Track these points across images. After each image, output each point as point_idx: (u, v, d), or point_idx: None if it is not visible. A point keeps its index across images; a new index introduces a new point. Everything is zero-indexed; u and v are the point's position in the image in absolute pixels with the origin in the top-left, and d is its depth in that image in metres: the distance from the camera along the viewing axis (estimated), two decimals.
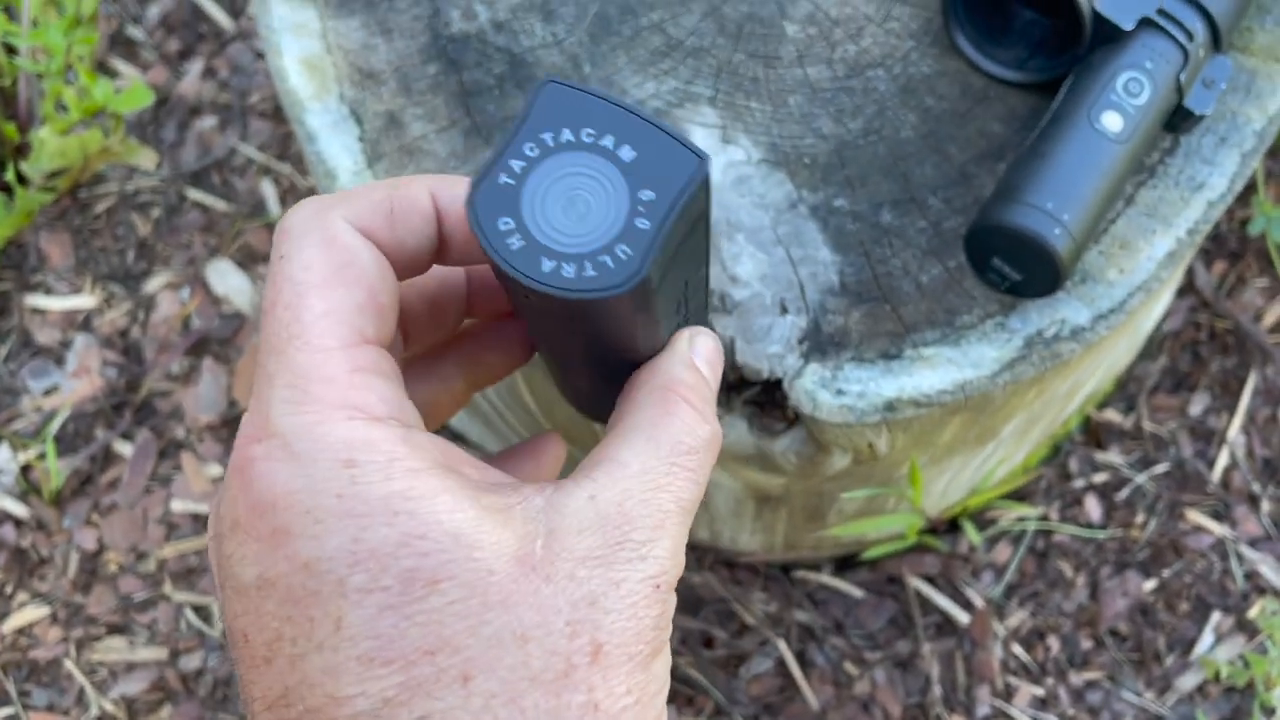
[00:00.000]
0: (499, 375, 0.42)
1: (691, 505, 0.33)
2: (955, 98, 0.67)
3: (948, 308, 0.60)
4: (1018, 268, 0.58)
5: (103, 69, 1.08)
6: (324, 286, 0.31)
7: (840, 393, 0.57)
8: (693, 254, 0.35)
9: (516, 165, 0.30)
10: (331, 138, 0.67)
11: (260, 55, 1.08)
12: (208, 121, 1.04)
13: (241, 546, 0.30)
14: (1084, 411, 0.89)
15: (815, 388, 0.57)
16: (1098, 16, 0.61)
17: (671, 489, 0.32)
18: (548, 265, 0.29)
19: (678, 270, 0.34)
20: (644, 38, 0.69)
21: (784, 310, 0.60)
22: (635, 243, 0.29)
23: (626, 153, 0.30)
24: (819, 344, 0.59)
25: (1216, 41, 0.63)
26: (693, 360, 0.36)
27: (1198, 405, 0.88)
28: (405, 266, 0.34)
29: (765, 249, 0.62)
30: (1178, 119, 0.63)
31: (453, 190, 0.34)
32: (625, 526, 0.31)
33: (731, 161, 0.65)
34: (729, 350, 0.59)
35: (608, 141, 0.30)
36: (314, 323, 0.31)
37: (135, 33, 1.09)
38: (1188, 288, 0.91)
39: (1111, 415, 0.90)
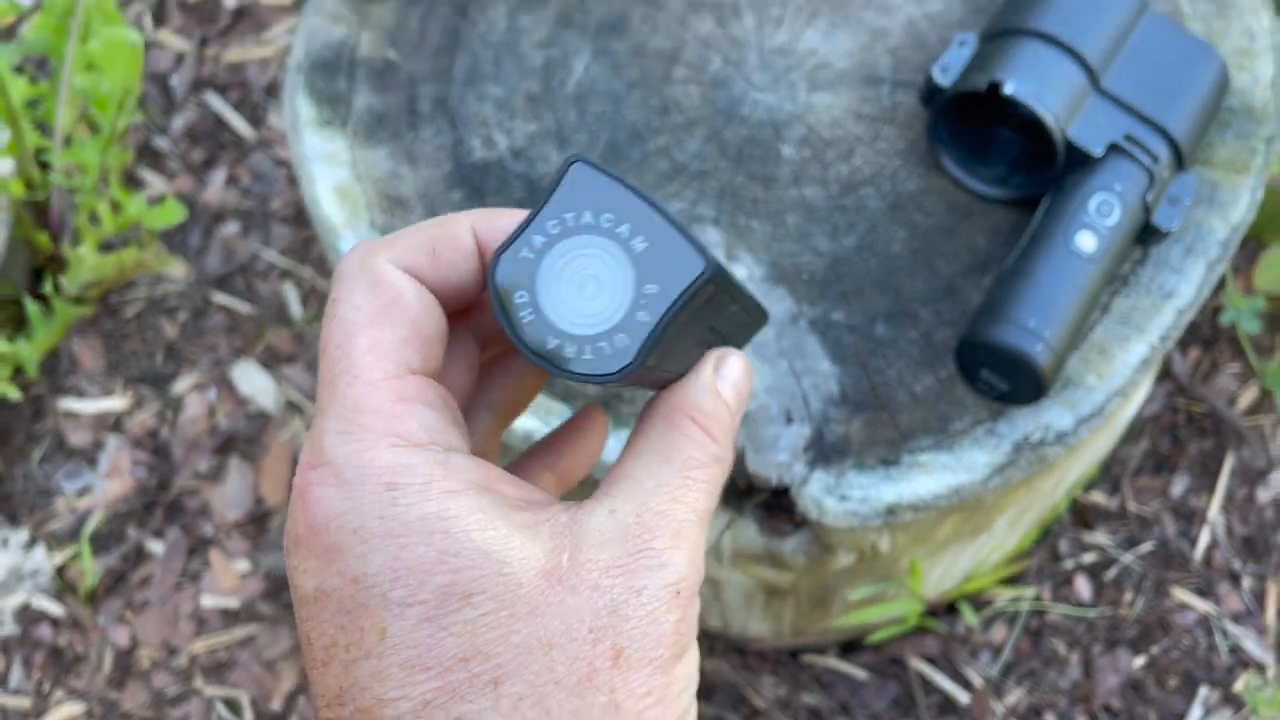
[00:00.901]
0: None
1: (707, 514, 0.36)
2: (941, 213, 0.72)
3: (941, 415, 0.65)
4: (1005, 379, 0.62)
5: (130, 179, 1.13)
6: (370, 325, 0.34)
7: (844, 499, 0.62)
8: (716, 308, 0.37)
9: (538, 240, 0.32)
10: None
11: (280, 162, 1.13)
12: (231, 227, 1.09)
13: (304, 561, 0.33)
14: (1071, 495, 0.94)
15: (821, 495, 0.62)
16: (1070, 143, 0.66)
17: (687, 500, 0.35)
18: (552, 343, 0.32)
19: (696, 326, 0.36)
20: (651, 162, 0.75)
21: (789, 420, 0.64)
22: (633, 334, 0.31)
23: (639, 244, 0.32)
24: (823, 452, 0.64)
25: (1180, 161, 0.69)
26: (714, 385, 0.37)
27: (1179, 486, 0.93)
28: (453, 297, 0.37)
29: (770, 361, 0.67)
30: (1147, 234, 0.68)
31: (494, 224, 0.37)
32: (645, 536, 0.33)
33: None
34: (739, 459, 0.63)
35: (624, 230, 0.32)
36: (361, 358, 0.34)
37: (161, 143, 1.14)
38: (1165, 374, 0.97)
39: (1097, 497, 0.94)
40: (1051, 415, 0.65)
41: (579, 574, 0.32)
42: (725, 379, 0.38)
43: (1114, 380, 0.66)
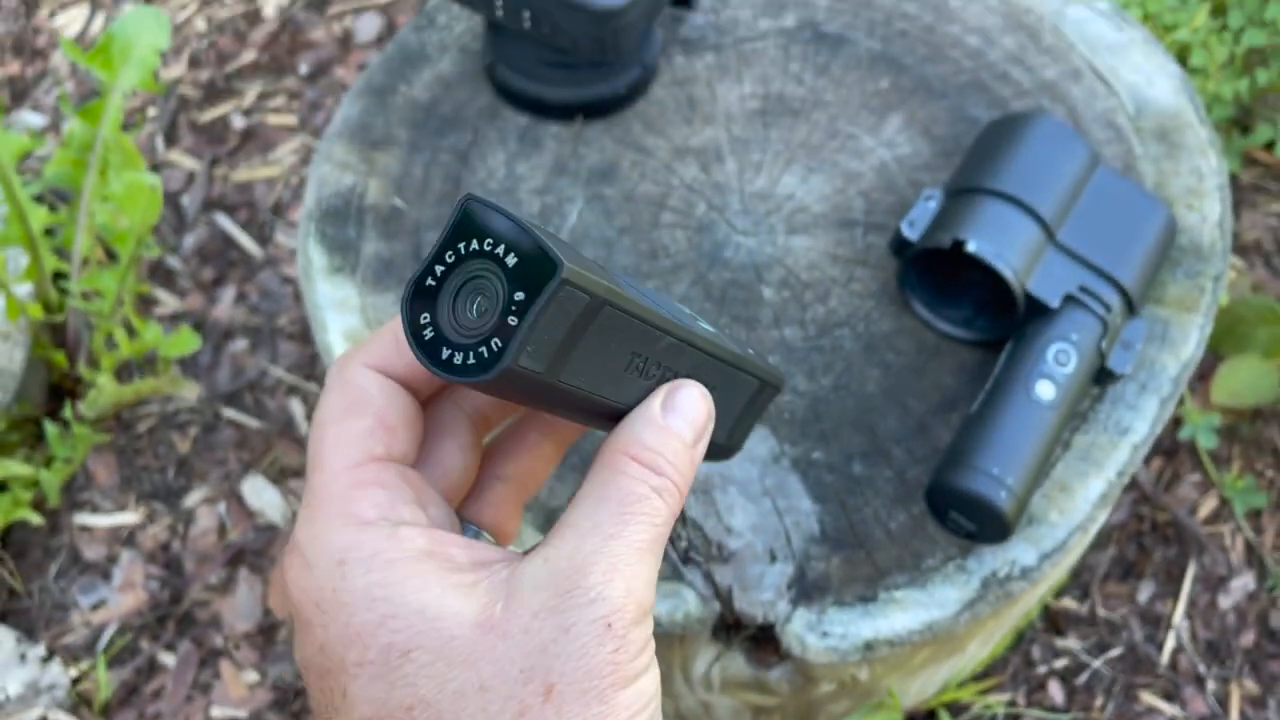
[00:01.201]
0: (575, 434, 0.47)
1: (650, 544, 0.38)
2: (912, 353, 0.77)
3: (914, 551, 0.70)
4: (972, 520, 0.67)
5: (144, 298, 1.18)
6: (336, 422, 0.39)
7: (825, 635, 0.66)
8: (625, 331, 0.39)
9: (438, 269, 0.37)
10: None
11: (286, 279, 1.18)
12: (240, 344, 1.14)
13: (295, 634, 0.38)
14: (1043, 601, 0.99)
15: (803, 631, 0.66)
16: (1029, 295, 0.72)
17: (624, 535, 0.37)
18: (445, 353, 0.36)
19: (613, 347, 0.39)
20: None
21: (773, 559, 0.69)
22: (505, 336, 0.35)
23: (511, 259, 0.36)
24: (804, 589, 0.68)
25: (1131, 308, 0.74)
26: (657, 417, 0.39)
27: (1145, 592, 0.98)
28: (427, 381, 0.41)
29: (755, 500, 0.72)
30: (1103, 376, 0.73)
31: None
32: (575, 576, 0.35)
33: None
34: (727, 597, 0.68)
35: (500, 250, 0.36)
36: (327, 452, 0.39)
37: (173, 262, 1.20)
38: (1131, 484, 1.02)
39: (1068, 602, 0.99)
40: (1017, 551, 0.69)
41: (510, 621, 0.35)
42: (674, 409, 0.40)
43: (1075, 516, 0.71)
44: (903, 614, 0.67)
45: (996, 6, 0.93)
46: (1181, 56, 1.16)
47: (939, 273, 0.78)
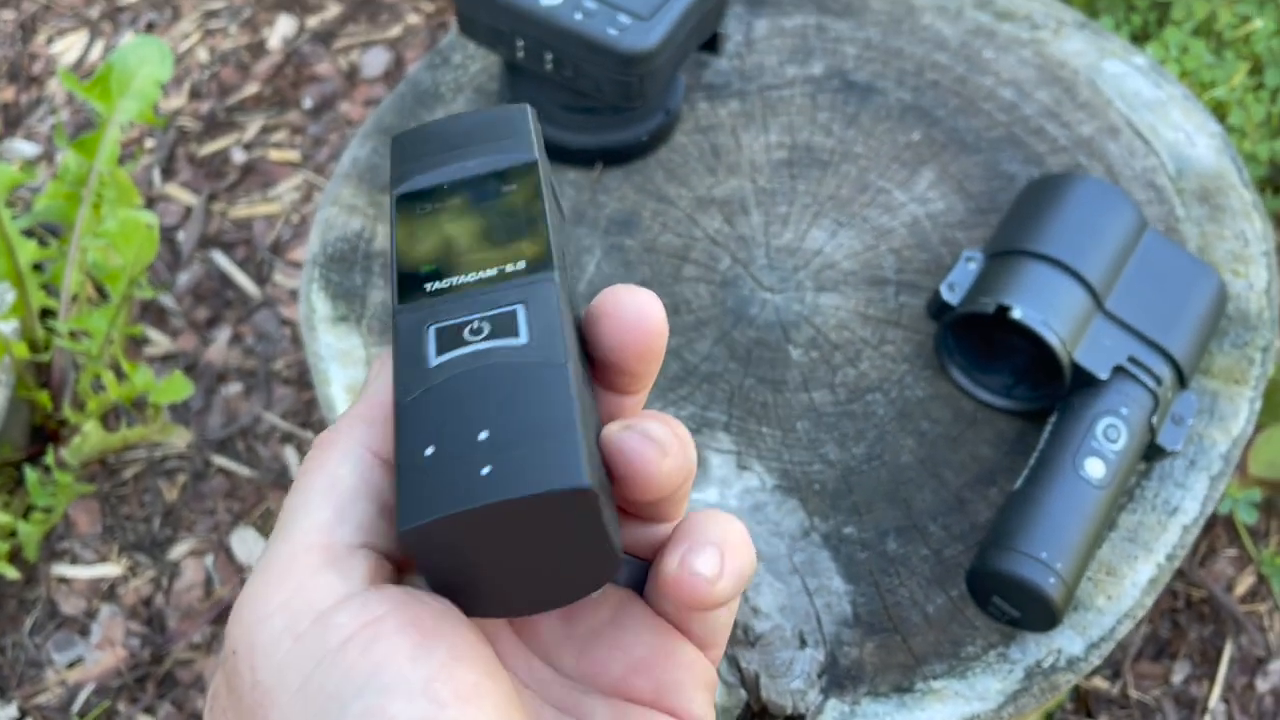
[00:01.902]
0: None
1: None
2: (948, 422, 0.73)
3: (953, 638, 0.65)
4: (1016, 606, 0.63)
5: (134, 337, 1.14)
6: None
7: None
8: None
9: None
10: None
11: (285, 322, 1.14)
12: (234, 388, 1.09)
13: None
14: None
15: None
16: (1076, 365, 0.68)
17: None
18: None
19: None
20: (663, 364, 0.76)
21: (803, 643, 0.64)
22: None
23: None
24: (836, 677, 0.64)
25: (1182, 380, 0.70)
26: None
27: (1179, 673, 0.93)
28: None
29: (783, 578, 0.67)
30: (1152, 452, 0.69)
31: None
32: None
33: (748, 488, 0.71)
34: (754, 684, 0.63)
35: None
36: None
37: (166, 300, 1.15)
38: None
39: (1099, 683, 0.94)
40: (1062, 640, 0.65)
41: None
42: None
43: (1123, 602, 0.66)
44: (941, 706, 0.63)
45: (1031, 59, 0.90)
46: (1219, 115, 1.14)
47: (978, 338, 0.74)
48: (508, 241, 0.34)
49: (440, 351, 0.32)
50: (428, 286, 0.34)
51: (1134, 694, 0.93)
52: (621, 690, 0.33)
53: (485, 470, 0.29)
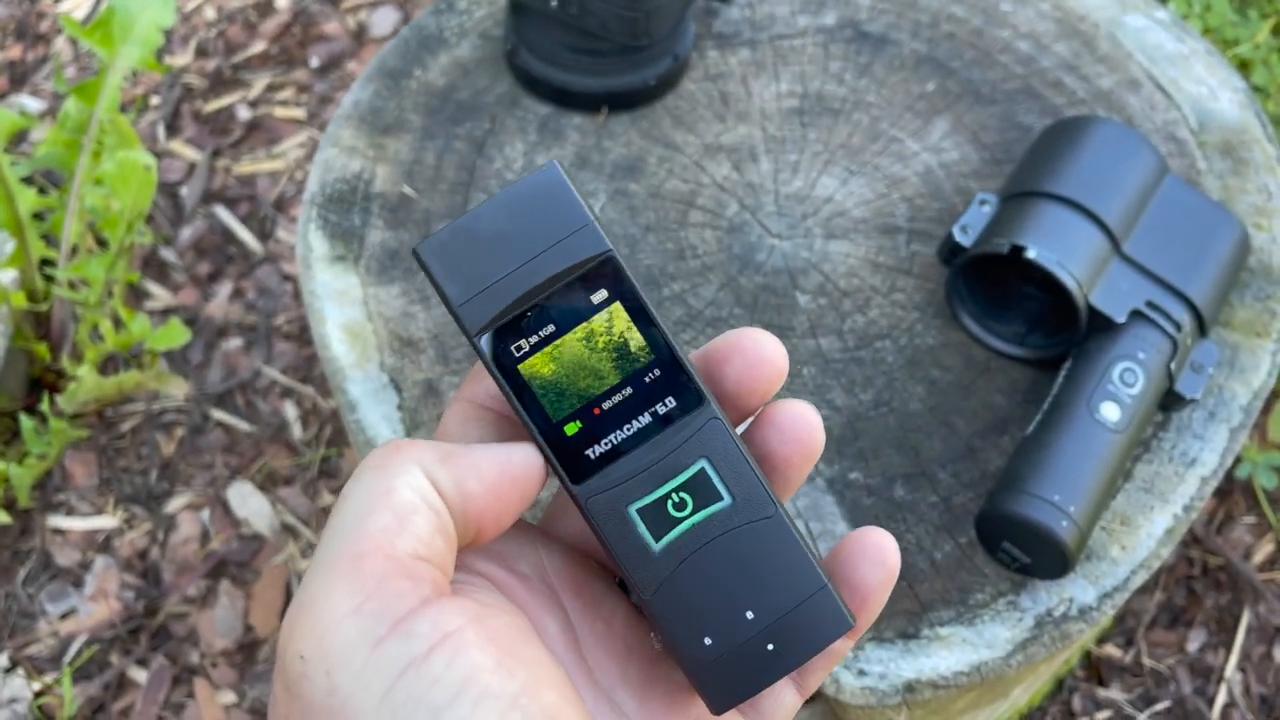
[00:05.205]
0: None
1: None
2: (959, 370, 0.71)
3: (961, 586, 0.63)
4: (1027, 552, 0.61)
5: (134, 290, 1.12)
6: None
7: (862, 674, 0.60)
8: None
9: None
10: (372, 406, 0.70)
11: (287, 277, 1.12)
12: (234, 343, 1.08)
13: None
14: (1084, 646, 0.92)
15: (838, 669, 0.60)
16: (1092, 308, 0.65)
17: None
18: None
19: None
20: (666, 308, 0.74)
21: None
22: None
23: None
24: None
25: (1202, 328, 0.68)
26: None
27: (1195, 641, 0.91)
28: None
29: None
30: (1169, 400, 0.67)
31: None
32: None
33: None
34: None
35: None
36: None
37: (167, 254, 1.14)
38: None
39: (1111, 650, 0.92)
40: (1074, 589, 0.63)
41: None
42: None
43: (1138, 552, 0.64)
44: (948, 653, 0.61)
45: (1050, 12, 0.88)
46: (1243, 74, 1.11)
47: (990, 284, 0.72)
48: (636, 370, 0.33)
49: (657, 537, 0.33)
50: (589, 454, 0.33)
51: (1148, 662, 0.91)
52: None
53: (770, 647, 0.32)
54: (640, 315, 0.33)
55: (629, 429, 0.33)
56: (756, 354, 0.34)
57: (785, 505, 0.35)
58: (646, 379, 0.33)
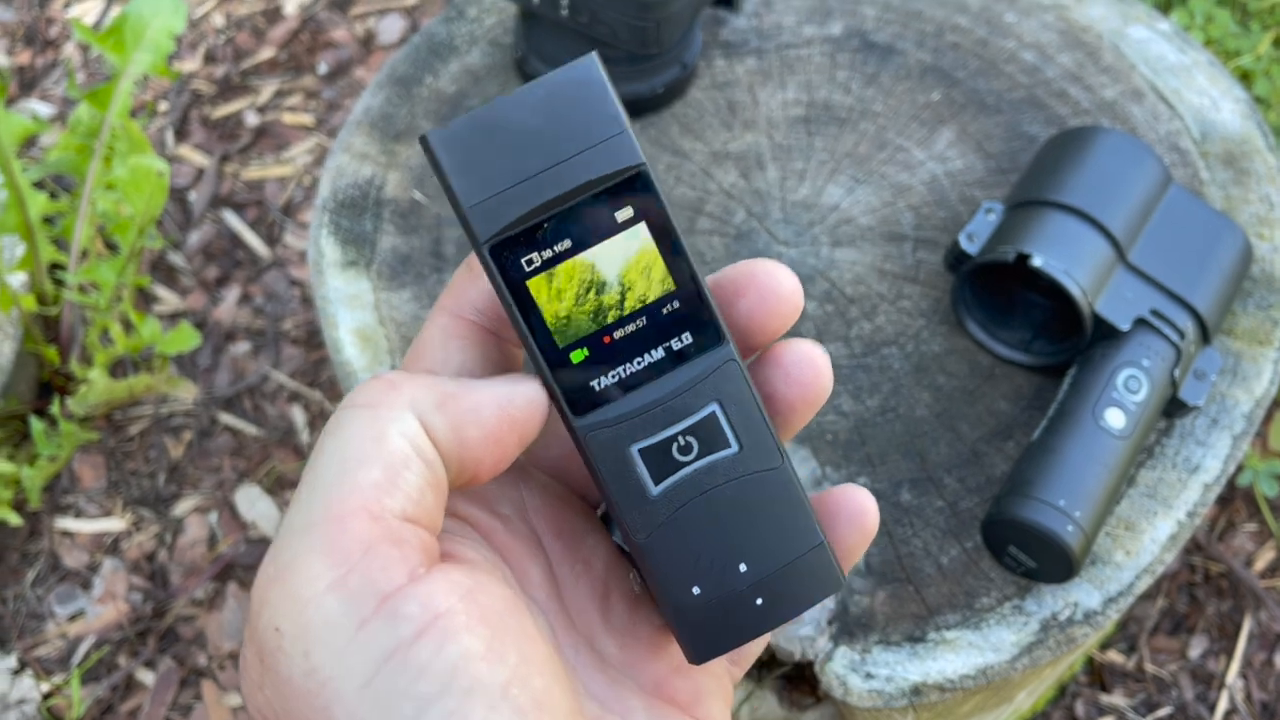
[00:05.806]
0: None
1: None
2: (964, 375, 0.72)
3: (967, 590, 0.64)
4: (1033, 557, 0.61)
5: (143, 294, 1.13)
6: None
7: (869, 677, 0.60)
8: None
9: None
10: None
11: (294, 282, 1.13)
12: (242, 347, 1.09)
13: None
14: (1087, 652, 0.92)
15: (845, 671, 0.60)
16: (1097, 316, 0.66)
17: None
18: None
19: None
20: None
21: None
22: None
23: None
24: (847, 625, 0.62)
25: (1205, 336, 0.69)
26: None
27: (1196, 648, 0.92)
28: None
29: None
30: (1173, 407, 0.67)
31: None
32: None
33: None
34: None
35: None
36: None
37: (176, 259, 1.14)
38: None
39: (1114, 656, 0.92)
40: (1079, 593, 0.63)
41: None
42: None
43: (1142, 557, 0.65)
44: (954, 656, 0.61)
45: (1054, 23, 0.89)
46: (1244, 85, 1.12)
47: (996, 292, 0.72)
48: (655, 299, 0.30)
49: (658, 480, 0.31)
50: (593, 384, 0.30)
51: (1150, 668, 0.91)
52: (664, 691, 0.33)
53: (759, 602, 0.31)
54: (666, 240, 0.30)
55: (640, 362, 0.31)
56: (772, 289, 0.31)
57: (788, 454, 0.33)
58: (664, 310, 0.31)
